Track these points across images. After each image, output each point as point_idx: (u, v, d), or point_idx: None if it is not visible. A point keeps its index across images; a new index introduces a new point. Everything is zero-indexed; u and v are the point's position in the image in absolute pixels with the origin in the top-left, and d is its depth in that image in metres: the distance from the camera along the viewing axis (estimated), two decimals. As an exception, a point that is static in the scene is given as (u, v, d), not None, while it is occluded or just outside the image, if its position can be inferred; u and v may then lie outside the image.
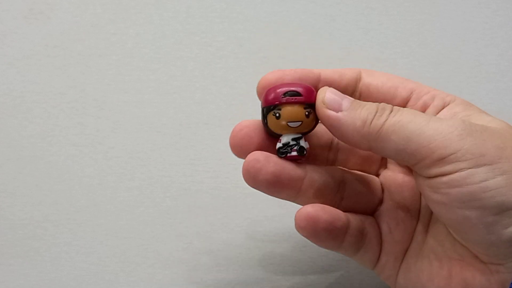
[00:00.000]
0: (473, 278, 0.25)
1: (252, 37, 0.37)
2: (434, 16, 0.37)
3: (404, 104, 0.28)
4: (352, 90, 0.28)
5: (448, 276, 0.26)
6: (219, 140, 0.35)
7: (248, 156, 0.27)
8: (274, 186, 0.27)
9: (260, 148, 0.27)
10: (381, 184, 0.30)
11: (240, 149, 0.27)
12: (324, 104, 0.26)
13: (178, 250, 0.34)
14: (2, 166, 0.35)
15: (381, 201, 0.30)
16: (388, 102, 0.28)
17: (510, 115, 0.36)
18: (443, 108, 0.28)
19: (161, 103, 0.36)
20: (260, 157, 0.27)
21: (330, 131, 0.27)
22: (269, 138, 0.28)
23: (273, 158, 0.27)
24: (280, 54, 0.36)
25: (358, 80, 0.28)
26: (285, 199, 0.28)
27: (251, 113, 0.35)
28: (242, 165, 0.27)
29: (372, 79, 0.28)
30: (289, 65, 0.36)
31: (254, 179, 0.27)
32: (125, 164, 0.35)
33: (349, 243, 0.27)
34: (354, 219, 0.28)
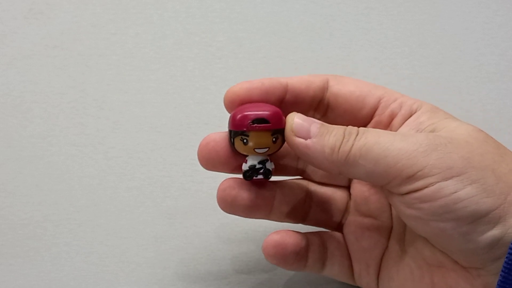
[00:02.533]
0: (457, 284, 0.25)
1: (252, 37, 0.37)
2: (434, 16, 0.37)
3: (372, 113, 0.28)
4: (319, 99, 0.28)
5: (430, 284, 0.26)
6: (219, 140, 0.35)
7: (221, 184, 0.28)
8: (251, 209, 0.28)
9: (226, 161, 0.28)
10: (349, 195, 0.30)
11: (207, 162, 0.28)
12: (293, 132, 0.26)
13: (178, 250, 0.34)
14: (2, 166, 0.35)
15: (346, 211, 0.30)
16: (357, 111, 0.28)
17: (510, 115, 0.36)
18: (410, 117, 0.28)
19: (161, 103, 0.36)
20: (234, 184, 0.27)
21: (301, 158, 0.27)
22: (235, 152, 0.28)
23: (246, 183, 0.28)
24: (280, 54, 0.37)
25: (325, 88, 0.28)
26: (259, 218, 0.29)
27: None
28: (216, 192, 0.28)
29: (340, 87, 0.28)
30: (289, 65, 0.36)
31: (232, 206, 0.28)
32: (125, 164, 0.35)
33: (313, 260, 0.28)
34: (312, 237, 0.29)
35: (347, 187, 0.31)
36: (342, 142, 0.25)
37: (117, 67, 0.36)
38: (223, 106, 0.36)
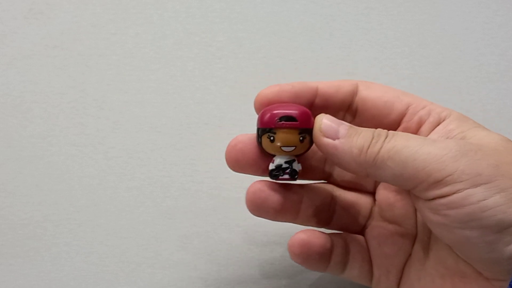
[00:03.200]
0: None
1: (252, 37, 0.37)
2: (434, 16, 0.37)
3: (400, 119, 0.28)
4: (348, 104, 0.28)
5: None
6: (219, 140, 0.35)
7: (251, 187, 0.28)
8: (279, 212, 0.28)
9: (254, 162, 0.28)
10: (374, 201, 0.30)
11: (235, 163, 0.28)
12: (321, 132, 0.26)
13: (178, 250, 0.34)
14: (2, 166, 0.35)
15: (370, 217, 0.30)
16: (384, 117, 0.28)
17: (510, 115, 0.36)
18: (438, 124, 0.28)
19: (161, 103, 0.36)
20: (263, 187, 0.27)
21: (328, 158, 0.27)
22: (263, 153, 0.28)
23: (275, 186, 0.28)
24: (280, 54, 0.36)
25: (354, 93, 0.28)
26: (285, 222, 0.29)
27: (251, 113, 0.35)
28: (245, 195, 0.27)
29: (369, 93, 0.28)
30: (289, 65, 0.36)
31: (260, 209, 0.28)
32: (125, 164, 0.35)
33: (335, 263, 0.28)
34: (336, 239, 0.29)
35: (372, 193, 0.31)
36: (370, 143, 0.25)
37: (117, 67, 0.36)
38: (223, 106, 0.36)
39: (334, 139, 0.25)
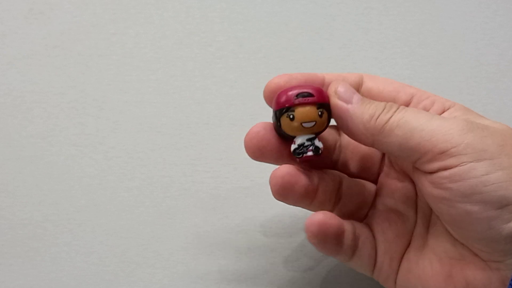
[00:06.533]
0: (474, 277, 0.26)
1: (252, 37, 0.37)
2: (434, 16, 0.37)
3: None
4: None
5: (448, 275, 0.26)
6: (219, 140, 0.35)
7: (278, 171, 0.27)
8: (305, 196, 0.28)
9: (278, 149, 0.28)
10: (376, 188, 0.31)
11: (258, 151, 0.28)
12: (336, 94, 0.27)
13: (178, 250, 0.34)
14: (2, 166, 0.35)
15: (373, 205, 0.30)
16: None
17: (510, 115, 0.36)
18: (443, 112, 0.28)
19: (161, 103, 0.36)
20: (292, 170, 0.27)
21: (338, 123, 0.27)
22: (281, 137, 0.28)
23: (301, 170, 0.28)
24: (280, 54, 0.37)
25: (360, 84, 0.29)
26: (302, 207, 0.29)
27: (251, 113, 0.36)
28: (269, 178, 0.27)
29: (374, 83, 0.29)
30: (289, 65, 0.36)
31: (289, 193, 0.27)
32: (125, 164, 0.35)
33: (347, 247, 0.28)
34: (347, 224, 0.29)
35: (375, 181, 0.31)
36: (382, 112, 0.26)
37: (117, 67, 0.36)
38: (223, 106, 0.36)
39: (347, 104, 0.26)
